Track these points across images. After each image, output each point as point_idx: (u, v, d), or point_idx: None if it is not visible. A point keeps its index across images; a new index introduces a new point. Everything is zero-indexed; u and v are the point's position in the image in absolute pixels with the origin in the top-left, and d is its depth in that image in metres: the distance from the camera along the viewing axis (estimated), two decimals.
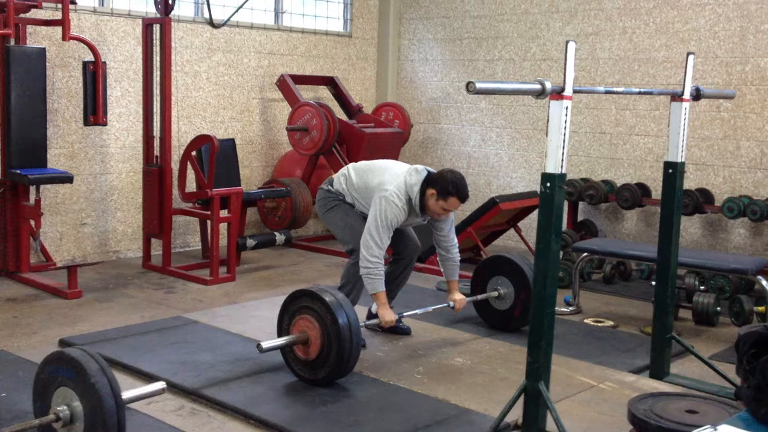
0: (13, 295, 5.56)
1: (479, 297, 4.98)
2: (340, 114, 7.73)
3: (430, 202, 4.33)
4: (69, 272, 5.57)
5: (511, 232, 7.23)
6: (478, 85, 2.80)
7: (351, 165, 4.74)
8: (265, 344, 3.90)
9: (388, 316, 4.37)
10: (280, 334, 4.10)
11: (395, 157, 7.39)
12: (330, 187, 4.68)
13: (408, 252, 4.77)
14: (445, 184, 4.27)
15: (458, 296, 4.67)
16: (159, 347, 4.49)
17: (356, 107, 7.93)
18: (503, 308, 4.99)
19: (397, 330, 4.82)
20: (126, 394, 2.99)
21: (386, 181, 4.38)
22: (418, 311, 4.66)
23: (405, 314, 4.56)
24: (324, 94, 8.20)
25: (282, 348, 4.02)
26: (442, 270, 4.82)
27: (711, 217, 6.73)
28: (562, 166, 3.11)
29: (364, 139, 7.17)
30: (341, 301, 3.94)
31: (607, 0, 7.26)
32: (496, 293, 4.97)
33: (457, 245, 4.73)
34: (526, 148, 7.86)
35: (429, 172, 4.40)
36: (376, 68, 8.83)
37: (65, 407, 2.93)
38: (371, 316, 4.90)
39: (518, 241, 7.20)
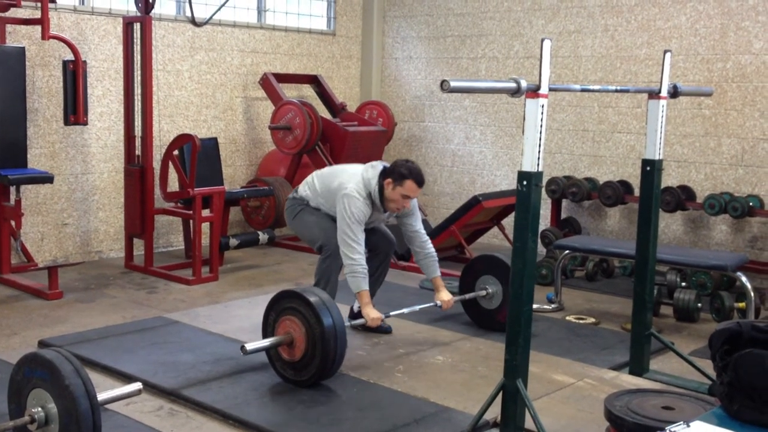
0: None
1: (467, 296, 4.96)
2: (323, 112, 7.72)
3: (388, 192, 4.40)
4: (50, 273, 5.53)
5: (495, 230, 7.24)
6: (453, 84, 2.80)
7: (315, 173, 4.83)
8: (249, 346, 3.86)
9: (372, 314, 4.37)
10: (265, 335, 4.07)
11: (379, 156, 7.39)
12: (295, 195, 4.78)
13: (382, 247, 4.79)
14: (399, 170, 4.37)
15: (446, 296, 4.66)
16: (139, 348, 4.47)
17: (340, 105, 7.92)
18: (491, 307, 4.98)
19: (379, 329, 4.81)
20: (102, 396, 2.98)
21: (345, 181, 4.49)
22: (405, 310, 4.63)
23: (392, 314, 4.54)
24: (308, 92, 8.19)
25: (267, 350, 4.00)
26: (421, 268, 4.82)
27: (693, 213, 6.76)
28: (538, 165, 3.11)
29: (348, 137, 7.17)
30: (326, 302, 3.92)
31: None
32: (484, 292, 4.95)
33: (430, 240, 4.76)
34: (509, 146, 7.88)
35: (385, 167, 4.49)
36: (360, 66, 8.83)
37: (40, 409, 2.91)
38: (353, 314, 4.90)
39: (502, 239, 7.21)
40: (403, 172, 4.35)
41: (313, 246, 4.76)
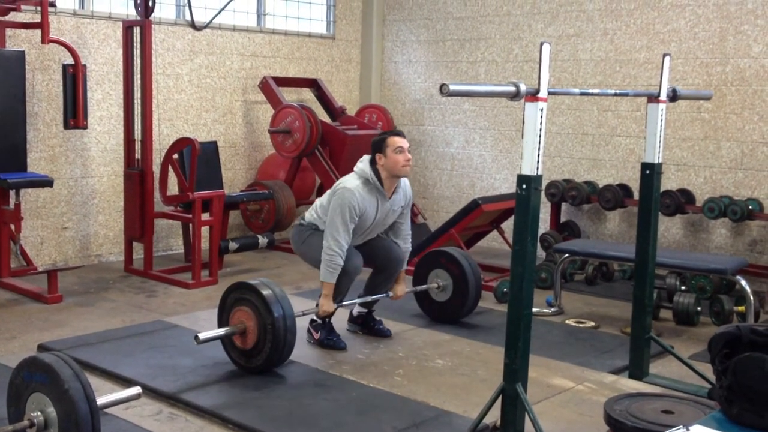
0: None
1: (418, 288, 5.16)
2: (323, 116, 7.73)
3: (385, 163, 4.42)
4: (49, 277, 5.53)
5: (495, 233, 7.23)
6: (452, 87, 2.80)
7: (318, 198, 4.86)
8: (202, 335, 4.02)
9: (326, 305, 4.47)
10: (220, 325, 4.23)
11: None
12: (303, 222, 4.76)
13: (391, 264, 4.76)
14: (376, 142, 4.49)
15: (400, 290, 4.83)
16: (138, 351, 4.47)
17: (339, 109, 7.93)
18: (442, 300, 5.16)
19: (378, 332, 4.83)
20: (101, 400, 2.98)
21: (339, 182, 4.58)
22: (356, 300, 4.74)
23: (344, 303, 4.62)
24: (307, 96, 8.19)
25: (222, 339, 4.15)
26: None
27: (692, 217, 6.76)
28: (537, 168, 3.11)
29: (347, 141, 7.17)
30: (278, 295, 4.06)
31: (588, 2, 7.29)
32: (435, 285, 5.13)
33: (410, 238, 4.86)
34: (509, 149, 7.88)
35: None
36: (360, 70, 8.83)
37: (39, 413, 2.91)
38: (352, 318, 4.92)
39: (501, 243, 7.21)
40: (380, 138, 4.49)
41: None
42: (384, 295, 4.78)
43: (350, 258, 4.48)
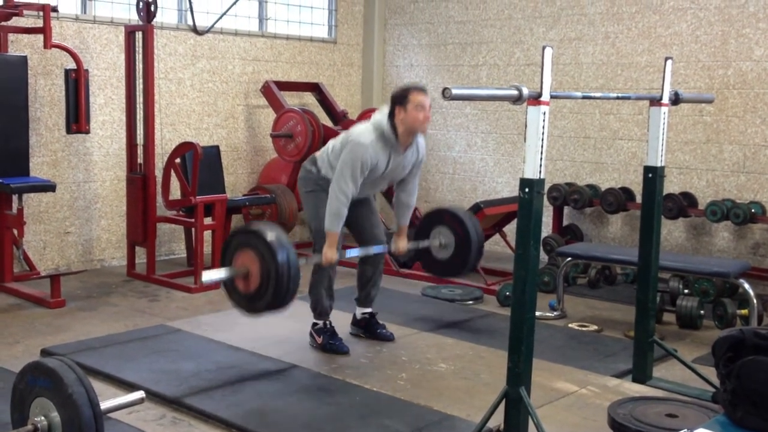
0: None
1: (420, 244, 4.99)
2: (325, 120, 7.73)
3: (404, 118, 4.29)
4: (52, 281, 5.54)
5: (497, 237, 7.23)
6: (455, 91, 2.80)
7: (331, 141, 4.72)
8: (205, 276, 3.96)
9: (330, 254, 4.36)
10: (223, 267, 4.11)
11: None
12: (312, 168, 4.61)
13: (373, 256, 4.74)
14: (398, 94, 4.33)
15: (402, 245, 4.74)
16: (141, 356, 4.47)
17: (341, 113, 7.93)
18: (444, 257, 4.99)
19: (381, 336, 4.83)
20: (104, 404, 2.96)
21: (353, 131, 4.45)
22: (360, 252, 4.65)
23: (347, 256, 4.54)
24: (309, 100, 8.20)
25: (224, 282, 4.04)
26: (395, 212, 4.82)
27: (695, 220, 6.76)
28: (540, 172, 3.11)
29: None
30: (282, 240, 3.94)
31: (589, 5, 7.30)
32: (437, 242, 4.97)
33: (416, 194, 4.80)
34: (511, 153, 7.88)
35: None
36: (361, 74, 8.84)
37: (43, 418, 2.90)
38: (356, 321, 4.91)
39: (504, 246, 7.20)
40: (402, 92, 4.33)
41: (309, 232, 4.70)
42: (385, 248, 4.70)
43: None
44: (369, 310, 4.91)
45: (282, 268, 3.87)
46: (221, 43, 7.51)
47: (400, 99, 4.31)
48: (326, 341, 4.62)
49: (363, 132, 4.37)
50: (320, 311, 4.66)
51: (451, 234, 4.97)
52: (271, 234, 3.95)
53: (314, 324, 4.68)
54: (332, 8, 8.60)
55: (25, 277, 5.97)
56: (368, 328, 4.88)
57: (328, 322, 4.67)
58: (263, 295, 3.93)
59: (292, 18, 8.30)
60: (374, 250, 4.69)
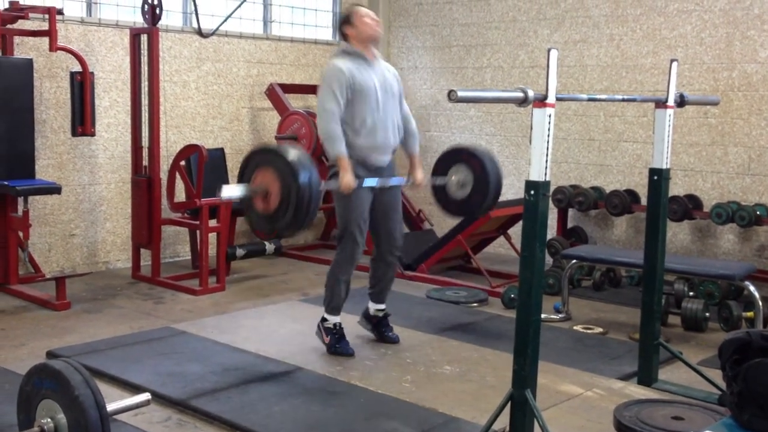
0: (1, 308, 5.54)
1: (438, 180, 4.83)
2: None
3: (356, 32, 4.52)
4: (57, 283, 5.55)
5: (501, 239, 7.23)
6: (460, 94, 2.80)
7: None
8: (225, 191, 3.94)
9: (347, 179, 4.29)
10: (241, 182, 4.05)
11: None
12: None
13: (389, 247, 4.73)
14: (343, 17, 4.61)
15: (420, 175, 4.73)
16: (147, 358, 4.47)
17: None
18: (461, 197, 4.83)
19: (387, 338, 4.83)
20: (111, 406, 2.97)
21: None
22: (377, 183, 4.54)
23: (364, 185, 4.43)
24: (313, 102, 8.18)
25: (242, 199, 3.98)
26: (402, 146, 4.79)
27: (700, 223, 6.75)
28: (545, 174, 3.11)
29: None
30: (304, 161, 3.86)
31: (594, 7, 7.30)
32: (455, 180, 4.81)
33: (415, 124, 4.82)
34: (515, 155, 7.88)
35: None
36: None
37: (49, 420, 2.90)
38: (367, 315, 4.89)
39: (508, 249, 7.20)
40: (345, 15, 4.59)
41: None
42: (403, 180, 4.67)
43: (358, 236, 4.48)
44: (383, 307, 4.87)
45: (303, 190, 3.77)
46: (226, 46, 7.52)
47: (346, 20, 4.58)
48: (333, 343, 4.61)
49: (329, 61, 4.61)
50: (334, 305, 4.64)
51: (469, 172, 4.77)
52: (294, 154, 3.86)
53: (324, 320, 4.66)
54: (336, 11, 8.61)
55: (31, 280, 5.98)
56: (377, 328, 4.86)
57: (337, 324, 4.64)
58: (282, 215, 3.84)
59: (296, 20, 8.31)
60: (393, 181, 4.64)
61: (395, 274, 4.92)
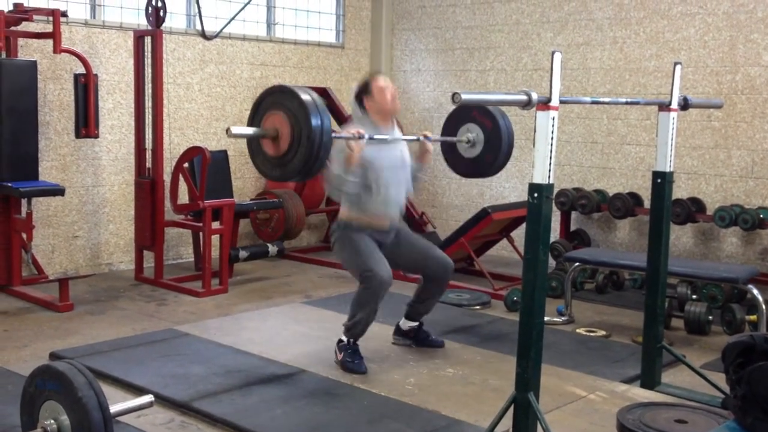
0: (4, 309, 5.55)
1: (449, 138, 4.81)
2: (332, 125, 7.72)
3: (373, 104, 4.41)
4: (61, 285, 5.55)
5: (504, 242, 7.23)
6: (464, 96, 2.80)
7: None
8: (234, 129, 3.78)
9: (354, 146, 4.17)
10: (251, 126, 3.97)
11: None
12: (339, 221, 4.55)
13: (440, 270, 4.59)
14: (360, 86, 4.49)
15: (430, 134, 4.68)
16: (150, 360, 4.48)
17: (349, 118, 7.92)
18: (472, 155, 4.82)
19: (432, 344, 4.78)
20: (114, 408, 2.97)
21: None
22: (388, 137, 4.46)
23: (375, 136, 4.30)
24: None
25: (251, 139, 3.91)
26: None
27: (703, 226, 6.74)
28: (549, 177, 3.11)
29: None
30: (318, 104, 3.76)
31: (597, 10, 7.30)
32: (465, 139, 4.78)
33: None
34: (518, 157, 7.86)
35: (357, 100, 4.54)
36: None
37: (52, 421, 2.91)
38: (399, 330, 4.85)
39: (511, 251, 7.20)
40: (364, 84, 4.48)
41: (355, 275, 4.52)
42: (416, 138, 4.59)
43: (377, 270, 4.26)
44: (416, 324, 4.81)
45: (315, 134, 3.66)
46: (229, 48, 7.53)
47: (364, 90, 4.47)
48: (345, 358, 4.39)
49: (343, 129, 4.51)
50: (355, 332, 4.42)
51: (480, 130, 4.72)
52: (307, 96, 3.77)
53: (339, 340, 4.48)
54: (340, 13, 8.62)
55: (34, 281, 5.99)
56: (416, 337, 4.79)
57: (352, 341, 4.47)
58: (291, 159, 3.75)
59: (299, 23, 8.32)
60: (407, 137, 4.63)
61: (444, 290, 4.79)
